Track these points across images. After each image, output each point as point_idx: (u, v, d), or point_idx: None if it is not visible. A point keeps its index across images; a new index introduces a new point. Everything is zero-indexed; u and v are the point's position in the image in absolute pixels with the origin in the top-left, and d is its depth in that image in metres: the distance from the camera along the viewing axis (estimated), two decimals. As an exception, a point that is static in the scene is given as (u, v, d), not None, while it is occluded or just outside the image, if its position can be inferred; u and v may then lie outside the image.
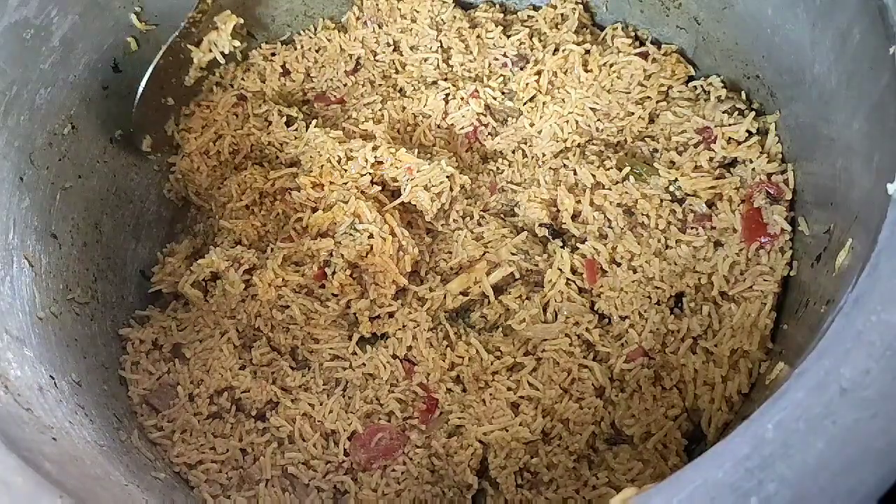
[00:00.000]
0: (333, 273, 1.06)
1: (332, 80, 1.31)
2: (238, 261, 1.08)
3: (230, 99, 1.25)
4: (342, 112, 1.27)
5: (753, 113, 1.06)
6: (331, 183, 1.13)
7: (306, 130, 1.19)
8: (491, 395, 1.00)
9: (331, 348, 1.06)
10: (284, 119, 1.23)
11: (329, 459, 0.99)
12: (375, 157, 1.12)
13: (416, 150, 1.15)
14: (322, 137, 1.15)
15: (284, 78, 1.31)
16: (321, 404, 1.02)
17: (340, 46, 1.31)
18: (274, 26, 1.34)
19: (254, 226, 1.16)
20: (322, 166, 1.13)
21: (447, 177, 1.11)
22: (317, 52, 1.32)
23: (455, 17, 1.30)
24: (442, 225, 1.14)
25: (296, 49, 1.33)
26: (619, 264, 1.04)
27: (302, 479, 0.98)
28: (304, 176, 1.13)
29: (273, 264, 1.07)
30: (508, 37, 1.27)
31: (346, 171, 1.13)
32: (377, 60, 1.31)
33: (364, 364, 1.04)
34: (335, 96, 1.29)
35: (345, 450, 0.99)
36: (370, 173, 1.12)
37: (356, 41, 1.31)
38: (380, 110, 1.23)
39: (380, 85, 1.29)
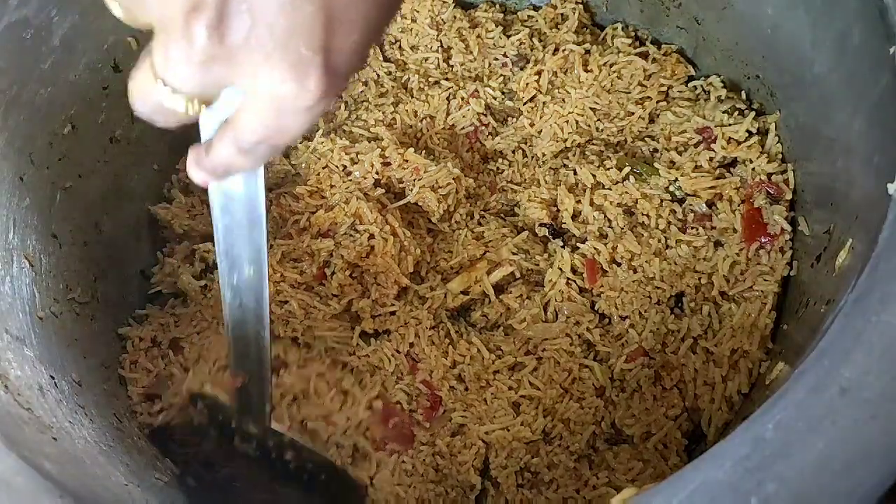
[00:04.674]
0: (333, 274, 1.06)
1: None
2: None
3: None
4: (346, 111, 1.25)
5: (753, 113, 1.06)
6: (331, 186, 1.13)
7: (301, 142, 1.18)
8: (492, 394, 1.00)
9: (333, 337, 1.05)
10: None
11: (349, 416, 0.99)
12: (383, 159, 1.12)
13: (423, 152, 1.15)
14: (329, 146, 1.15)
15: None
16: (330, 372, 1.02)
17: None
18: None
19: (252, 225, 1.16)
20: (318, 174, 1.13)
21: (453, 178, 1.11)
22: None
23: (455, 17, 1.30)
24: (445, 225, 1.14)
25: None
26: (619, 264, 1.04)
27: (321, 435, 0.98)
28: (302, 186, 1.13)
29: (271, 260, 1.06)
30: (508, 37, 1.27)
31: (349, 174, 1.13)
32: (385, 59, 1.30)
33: (368, 356, 1.04)
34: None
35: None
36: (375, 176, 1.12)
37: None
38: (392, 113, 1.23)
39: (389, 85, 1.27)
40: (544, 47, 1.23)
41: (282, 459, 0.93)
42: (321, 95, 0.50)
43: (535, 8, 1.32)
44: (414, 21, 1.30)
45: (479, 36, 1.28)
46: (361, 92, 1.27)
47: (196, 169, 0.61)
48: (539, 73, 1.20)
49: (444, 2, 1.30)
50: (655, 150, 1.12)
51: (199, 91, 0.52)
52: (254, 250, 0.72)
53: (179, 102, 0.53)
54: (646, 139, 1.14)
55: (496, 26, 1.28)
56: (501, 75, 1.26)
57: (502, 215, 1.16)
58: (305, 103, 0.51)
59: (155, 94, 0.53)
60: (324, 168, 1.14)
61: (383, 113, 1.23)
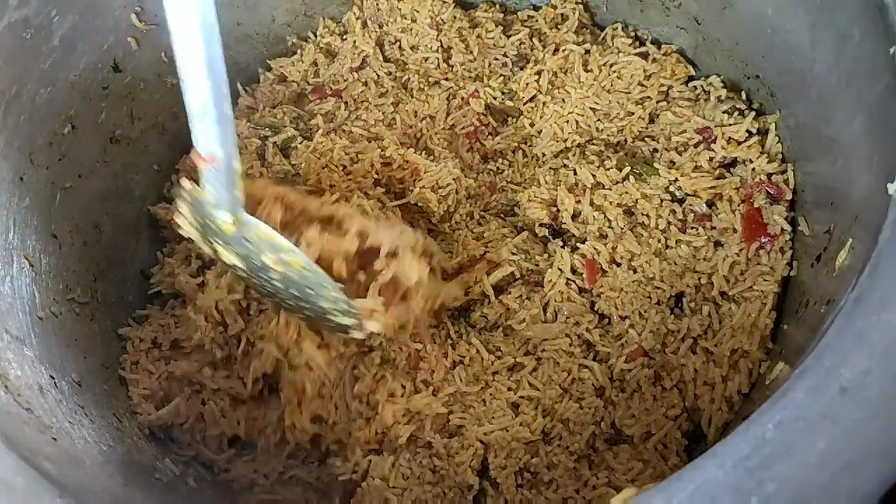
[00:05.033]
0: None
1: (334, 74, 1.30)
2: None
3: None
4: (346, 111, 1.25)
5: (753, 113, 1.06)
6: (331, 185, 1.12)
7: (301, 142, 1.17)
8: (491, 394, 1.00)
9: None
10: (279, 147, 1.19)
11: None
12: (384, 158, 1.12)
13: (423, 152, 1.15)
14: (329, 145, 1.15)
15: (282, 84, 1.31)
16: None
17: (354, 42, 1.30)
18: (274, 26, 1.34)
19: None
20: (318, 173, 1.13)
21: (454, 179, 1.11)
22: (327, 50, 1.32)
23: (455, 17, 1.30)
24: (445, 226, 1.14)
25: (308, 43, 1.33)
26: (619, 264, 1.04)
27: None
28: (301, 185, 1.13)
29: None
30: (508, 37, 1.27)
31: (349, 174, 1.13)
32: (385, 59, 1.31)
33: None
34: (332, 88, 1.29)
35: None
36: (375, 176, 1.12)
37: (369, 38, 1.30)
38: (392, 113, 1.23)
39: (389, 85, 1.27)
40: (544, 47, 1.23)
41: (266, 268, 0.83)
42: None
43: (535, 8, 1.32)
44: (414, 21, 1.30)
45: (479, 36, 1.28)
46: (361, 92, 1.27)
47: None
48: (539, 73, 1.20)
49: (444, 2, 1.30)
50: (655, 150, 1.12)
51: None
52: None
53: None
54: (646, 139, 1.14)
55: (496, 26, 1.28)
56: (501, 75, 1.26)
57: (502, 215, 1.16)
58: None
59: None
60: (323, 168, 1.14)
61: (383, 113, 1.23)
